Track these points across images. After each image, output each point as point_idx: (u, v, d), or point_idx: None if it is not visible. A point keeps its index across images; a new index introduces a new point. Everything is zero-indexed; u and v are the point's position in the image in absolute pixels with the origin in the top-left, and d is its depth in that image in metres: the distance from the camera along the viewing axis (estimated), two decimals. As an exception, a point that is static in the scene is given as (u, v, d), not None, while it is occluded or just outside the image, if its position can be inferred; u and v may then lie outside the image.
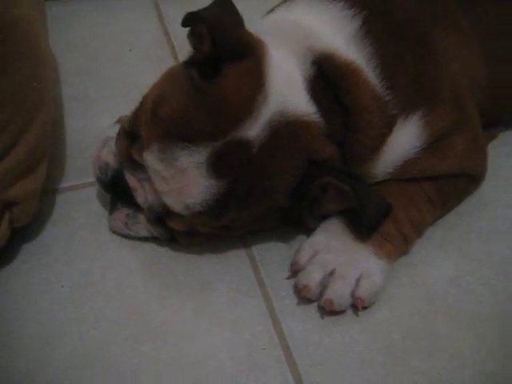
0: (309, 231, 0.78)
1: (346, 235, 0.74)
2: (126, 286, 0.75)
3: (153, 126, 0.69)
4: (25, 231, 0.79)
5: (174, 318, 0.72)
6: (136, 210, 0.77)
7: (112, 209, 0.79)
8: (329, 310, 0.71)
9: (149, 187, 0.73)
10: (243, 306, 0.74)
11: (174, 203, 0.70)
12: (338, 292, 0.70)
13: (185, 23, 0.72)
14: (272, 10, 0.83)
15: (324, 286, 0.71)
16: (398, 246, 0.74)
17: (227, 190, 0.68)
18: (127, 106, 0.95)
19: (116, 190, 0.77)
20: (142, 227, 0.78)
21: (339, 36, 0.72)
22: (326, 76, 0.71)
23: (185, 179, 0.68)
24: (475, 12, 0.81)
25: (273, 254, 0.79)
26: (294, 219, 0.76)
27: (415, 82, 0.73)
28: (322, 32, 0.72)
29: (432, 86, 0.74)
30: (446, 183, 0.77)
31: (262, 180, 0.69)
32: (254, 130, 0.67)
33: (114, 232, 0.81)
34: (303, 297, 0.72)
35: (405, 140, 0.73)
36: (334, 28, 0.73)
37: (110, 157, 0.77)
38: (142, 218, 0.77)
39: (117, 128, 0.80)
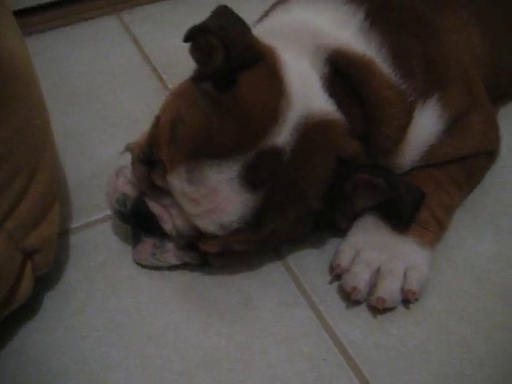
0: (341, 232, 0.76)
1: (384, 230, 0.72)
2: (165, 319, 0.72)
3: (174, 148, 0.66)
4: (45, 279, 0.74)
5: (225, 343, 0.69)
6: (162, 238, 0.74)
7: (135, 241, 0.75)
8: (381, 308, 0.69)
9: (176, 212, 0.70)
10: (291, 318, 0.71)
11: (208, 225, 0.67)
12: (389, 288, 0.68)
13: (189, 37, 0.69)
14: (265, 14, 0.81)
15: (372, 284, 0.70)
16: (435, 232, 0.74)
17: (263, 202, 0.65)
18: (123, 134, 0.94)
19: (138, 221, 0.73)
20: (172, 255, 0.74)
21: (346, 31, 0.71)
22: (342, 72, 0.69)
23: (218, 198, 0.65)
24: None
25: (308, 261, 0.77)
26: (326, 222, 0.74)
27: (426, 67, 0.73)
28: (329, 29, 0.71)
29: (441, 69, 0.74)
30: (469, 163, 0.77)
31: (296, 186, 0.67)
32: (282, 136, 0.65)
33: (141, 265, 0.77)
34: (353, 299, 0.70)
35: (426, 125, 0.72)
36: (339, 23, 0.72)
37: (127, 187, 0.74)
38: (169, 245, 0.74)
39: (127, 156, 0.76)
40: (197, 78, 0.70)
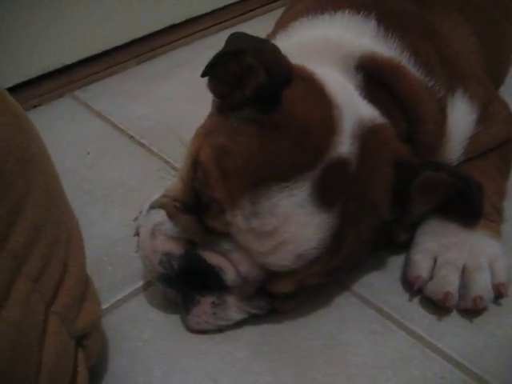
0: (398, 247, 0.72)
1: (454, 229, 0.69)
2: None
3: (229, 182, 0.59)
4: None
5: (328, 390, 0.60)
6: (221, 294, 0.65)
7: (188, 306, 0.66)
8: (477, 309, 0.64)
9: (238, 257, 0.62)
10: (387, 345, 0.64)
11: (283, 259, 0.60)
12: (483, 285, 0.64)
13: (210, 68, 0.64)
14: (272, 37, 0.78)
15: (461, 286, 0.65)
16: (498, 221, 0.71)
17: (340, 219, 0.60)
18: (120, 205, 0.85)
19: (190, 280, 0.64)
20: (236, 310, 0.65)
21: (364, 38, 0.70)
22: (374, 77, 0.67)
23: (291, 226, 0.59)
24: None
25: (377, 285, 0.71)
26: (384, 238, 0.70)
27: (443, 64, 0.73)
28: (348, 38, 0.70)
29: (456, 65, 0.75)
30: (504, 150, 0.77)
31: (367, 196, 0.62)
32: (345, 146, 0.61)
33: (197, 331, 0.67)
34: (447, 306, 0.64)
35: (461, 117, 0.72)
36: (355, 32, 0.71)
37: (169, 244, 0.65)
38: (231, 299, 0.65)
39: (157, 214, 0.67)
40: (226, 109, 0.65)
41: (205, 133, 0.66)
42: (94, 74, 1.18)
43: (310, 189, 0.58)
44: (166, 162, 0.95)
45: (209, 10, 1.31)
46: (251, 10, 1.34)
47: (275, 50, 0.62)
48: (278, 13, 0.98)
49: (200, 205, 0.62)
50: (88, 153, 0.98)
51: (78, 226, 0.62)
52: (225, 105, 0.66)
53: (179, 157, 0.91)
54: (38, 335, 0.51)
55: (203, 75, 0.66)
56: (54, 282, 0.54)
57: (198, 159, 0.63)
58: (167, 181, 0.79)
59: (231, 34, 0.67)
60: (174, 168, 0.93)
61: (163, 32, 1.27)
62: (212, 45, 1.26)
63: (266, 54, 0.61)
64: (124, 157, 0.97)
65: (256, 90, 0.62)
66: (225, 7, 1.33)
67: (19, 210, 0.50)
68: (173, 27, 1.28)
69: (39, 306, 0.52)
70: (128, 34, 1.23)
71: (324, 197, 0.59)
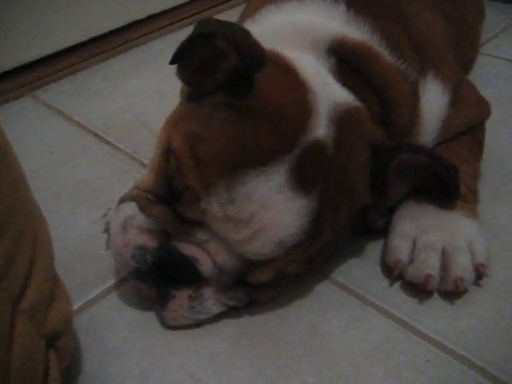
0: (375, 233, 0.71)
1: (431, 211, 0.68)
2: (230, 379, 0.59)
3: (203, 169, 0.57)
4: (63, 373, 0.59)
5: (312, 380, 0.58)
6: (198, 286, 0.62)
7: (163, 301, 0.63)
8: (459, 290, 0.63)
9: (215, 247, 0.60)
10: (370, 331, 0.63)
11: (261, 247, 0.58)
12: (464, 266, 0.63)
13: (178, 56, 0.62)
14: (241, 21, 0.77)
15: (442, 268, 0.64)
16: (473, 203, 0.71)
17: (318, 203, 0.58)
18: (89, 204, 0.83)
19: (166, 273, 0.62)
20: (214, 303, 0.63)
21: (335, 22, 0.69)
22: (346, 60, 0.66)
23: (270, 211, 0.57)
24: None
25: (355, 272, 0.70)
26: (360, 224, 0.68)
27: (413, 48, 0.72)
28: (320, 23, 0.68)
29: (426, 48, 0.74)
30: (476, 132, 0.77)
31: (345, 179, 0.61)
32: (321, 128, 0.59)
33: (174, 327, 0.64)
34: (429, 289, 0.63)
35: (434, 100, 0.71)
36: (326, 17, 0.70)
37: (142, 237, 0.62)
38: (208, 292, 0.63)
39: (128, 207, 0.65)
40: (197, 96, 0.63)
41: (175, 121, 0.64)
42: (54, 73, 1.15)
43: (287, 173, 0.57)
44: (133, 158, 0.92)
45: (170, 6, 1.29)
46: (213, 7, 1.32)
47: (246, 33, 0.60)
48: (239, 9, 0.96)
49: (173, 194, 0.60)
50: (51, 152, 0.94)
51: (46, 223, 0.59)
52: (195, 92, 0.64)
53: (146, 152, 0.90)
54: (4, 335, 0.48)
55: (172, 62, 0.64)
56: (21, 279, 0.51)
57: (169, 148, 0.61)
58: (135, 177, 0.77)
59: (199, 20, 0.65)
60: (142, 164, 0.90)
61: (124, 29, 1.24)
62: (174, 41, 1.23)
63: (237, 36, 0.59)
64: (89, 155, 0.94)
65: (228, 74, 0.60)
66: (186, 3, 1.31)
67: None
68: (134, 24, 1.25)
69: (5, 304, 0.48)
70: (89, 32, 1.20)
71: (302, 181, 0.57)
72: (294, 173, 0.57)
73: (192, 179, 0.58)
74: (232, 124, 0.58)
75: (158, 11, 1.27)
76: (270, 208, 0.57)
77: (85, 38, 1.19)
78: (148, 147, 0.91)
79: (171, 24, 1.27)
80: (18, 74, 1.12)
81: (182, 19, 1.28)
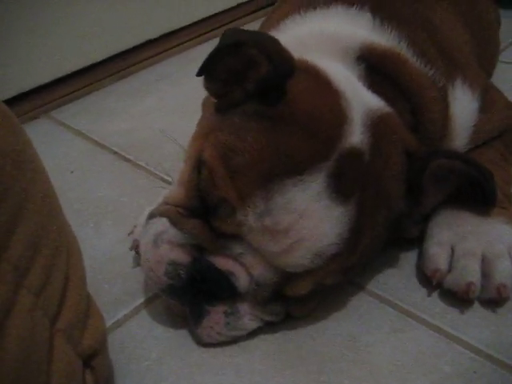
0: (408, 243, 0.70)
1: (468, 218, 0.67)
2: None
3: (238, 179, 0.56)
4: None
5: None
6: (233, 302, 0.61)
7: (198, 317, 0.61)
8: (501, 298, 0.62)
9: (251, 260, 0.58)
10: (412, 342, 0.61)
11: (300, 258, 0.56)
12: (505, 272, 0.62)
13: (206, 66, 0.61)
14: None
15: (482, 276, 0.62)
16: (510, 208, 0.69)
17: (357, 211, 0.57)
18: (112, 222, 0.81)
19: (199, 289, 0.60)
20: (250, 318, 0.61)
21: (362, 30, 0.69)
22: (376, 67, 0.66)
23: (308, 221, 0.55)
24: None
25: (392, 283, 0.68)
26: (395, 233, 0.67)
27: (440, 53, 0.72)
28: (347, 30, 0.68)
29: (452, 54, 0.74)
30: (506, 136, 0.76)
31: (381, 186, 0.60)
32: (356, 135, 0.58)
33: (208, 345, 0.62)
34: (470, 297, 0.62)
35: (463, 105, 0.71)
36: (352, 24, 0.69)
37: (174, 253, 0.60)
38: (243, 307, 0.61)
39: (159, 222, 0.63)
40: (225, 107, 0.62)
41: (205, 133, 0.63)
42: (69, 93, 1.14)
43: (325, 181, 0.56)
44: (154, 174, 0.91)
45: (185, 23, 1.29)
46: (229, 23, 1.33)
47: (276, 41, 0.60)
48: (256, 25, 0.97)
49: (207, 208, 0.59)
50: (71, 172, 0.93)
51: (76, 240, 0.58)
52: (223, 103, 0.63)
53: (168, 168, 0.89)
54: (44, 354, 0.46)
55: (199, 74, 0.63)
56: (57, 297, 0.49)
57: (201, 160, 0.60)
58: (158, 194, 0.76)
59: (226, 30, 0.64)
60: (164, 180, 0.89)
61: (140, 48, 1.24)
62: (191, 58, 1.24)
63: (267, 44, 0.59)
64: (110, 173, 0.93)
65: (259, 82, 0.59)
66: (202, 20, 1.31)
67: (18, 216, 0.45)
68: (149, 43, 1.25)
69: (44, 323, 0.47)
70: (103, 52, 1.19)
71: (340, 189, 0.56)
72: (331, 181, 0.56)
73: (227, 191, 0.56)
74: (266, 133, 0.57)
75: (171, 30, 1.27)
76: (308, 217, 0.55)
77: (99, 59, 1.18)
78: (170, 163, 0.91)
79: (184, 42, 1.27)
80: (34, 95, 1.11)
81: (195, 37, 1.28)
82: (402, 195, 0.62)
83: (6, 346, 0.41)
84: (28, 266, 0.46)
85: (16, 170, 0.46)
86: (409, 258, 0.70)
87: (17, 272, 0.44)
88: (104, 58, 1.19)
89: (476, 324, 0.62)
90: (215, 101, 0.66)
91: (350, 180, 0.57)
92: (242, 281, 0.59)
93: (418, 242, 0.70)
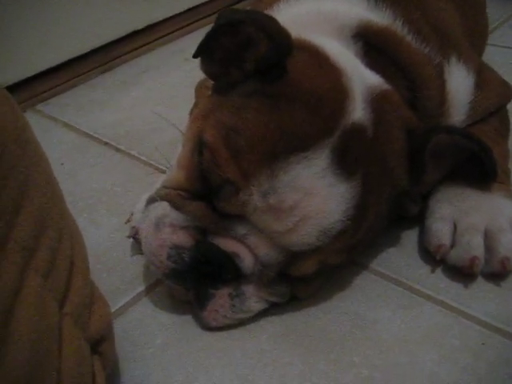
0: (409, 221, 0.70)
1: (469, 193, 0.67)
2: (281, 378, 0.57)
3: (242, 159, 0.55)
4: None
5: (367, 373, 0.56)
6: (238, 284, 0.60)
7: (202, 301, 0.61)
8: (505, 271, 0.62)
9: (255, 240, 0.57)
10: (419, 318, 0.61)
11: (306, 236, 0.56)
12: (509, 245, 0.62)
13: (216, 36, 0.60)
14: None
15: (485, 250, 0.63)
16: (508, 183, 0.70)
17: (362, 188, 0.57)
18: (107, 212, 0.80)
19: (204, 272, 0.59)
20: (256, 300, 0.61)
21: (359, 8, 0.68)
22: (372, 45, 0.65)
23: (313, 199, 0.55)
24: None
25: (395, 261, 0.68)
26: (394, 211, 0.67)
27: (435, 32, 0.72)
28: (343, 9, 0.67)
29: (446, 32, 0.74)
30: (502, 114, 0.76)
31: (385, 162, 0.60)
32: (358, 111, 0.58)
33: (214, 329, 0.62)
34: (474, 271, 0.62)
35: (460, 82, 0.71)
36: (347, 3, 0.69)
37: (176, 236, 0.59)
38: (249, 289, 0.60)
39: (159, 207, 0.62)
40: (224, 88, 0.61)
41: (204, 115, 0.62)
42: (55, 86, 1.12)
43: (329, 157, 0.55)
44: (147, 163, 0.90)
45: (169, 14, 1.27)
46: (212, 14, 1.31)
47: (273, 19, 0.59)
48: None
49: (209, 189, 0.58)
50: (62, 164, 0.91)
51: (78, 226, 0.57)
52: (221, 84, 0.62)
53: (160, 156, 0.87)
54: (55, 338, 0.45)
55: (196, 55, 0.63)
56: (63, 280, 0.48)
57: (201, 141, 0.59)
58: (152, 182, 0.75)
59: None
60: (157, 168, 0.88)
61: (124, 40, 1.22)
62: (175, 50, 1.23)
63: (265, 22, 0.58)
64: (101, 164, 0.91)
65: (258, 61, 0.58)
66: (186, 11, 1.30)
67: (24, 195, 0.44)
68: (133, 35, 1.23)
69: (52, 305, 0.46)
70: (88, 44, 1.18)
71: (345, 165, 0.56)
72: (335, 157, 0.55)
73: (230, 171, 0.55)
74: (267, 111, 0.56)
75: (156, 20, 1.26)
76: (313, 195, 0.55)
77: (84, 51, 1.17)
78: (162, 151, 0.90)
79: (170, 33, 1.26)
80: (19, 88, 1.09)
81: (180, 28, 1.27)
82: (404, 172, 0.62)
83: (17, 329, 0.40)
84: (35, 247, 0.44)
85: (20, 149, 0.45)
86: (410, 237, 0.70)
87: (25, 252, 0.43)
88: (88, 50, 1.17)
89: (481, 297, 0.62)
90: (212, 83, 0.66)
91: (354, 156, 0.56)
92: (247, 262, 0.58)
93: (418, 220, 0.70)
